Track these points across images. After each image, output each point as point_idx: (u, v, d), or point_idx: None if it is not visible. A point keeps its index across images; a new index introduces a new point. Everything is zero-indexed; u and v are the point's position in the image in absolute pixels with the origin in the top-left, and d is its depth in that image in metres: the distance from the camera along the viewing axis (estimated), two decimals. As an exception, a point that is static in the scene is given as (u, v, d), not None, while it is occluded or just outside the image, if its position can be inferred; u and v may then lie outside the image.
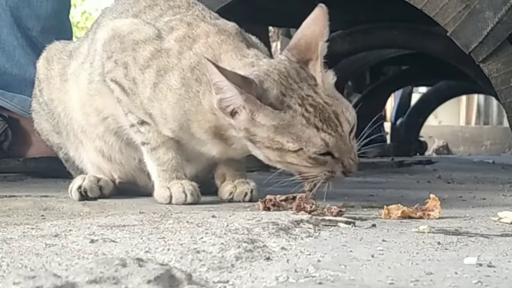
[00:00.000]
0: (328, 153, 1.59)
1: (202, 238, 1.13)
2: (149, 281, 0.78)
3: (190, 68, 1.70)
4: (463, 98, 9.84)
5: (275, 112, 1.57)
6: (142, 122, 1.79)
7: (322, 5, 1.62)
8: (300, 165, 1.60)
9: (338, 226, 1.38)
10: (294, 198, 1.58)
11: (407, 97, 6.67)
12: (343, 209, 1.53)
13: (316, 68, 1.61)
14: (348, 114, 1.60)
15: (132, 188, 1.96)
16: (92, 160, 1.98)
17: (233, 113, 1.60)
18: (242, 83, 1.55)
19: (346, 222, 1.41)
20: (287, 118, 1.57)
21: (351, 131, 1.61)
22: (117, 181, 1.96)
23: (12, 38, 2.61)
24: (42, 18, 2.60)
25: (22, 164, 2.56)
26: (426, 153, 6.35)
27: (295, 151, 1.58)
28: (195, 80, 1.69)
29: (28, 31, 2.61)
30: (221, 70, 1.55)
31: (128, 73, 1.76)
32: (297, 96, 1.58)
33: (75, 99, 1.95)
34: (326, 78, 1.62)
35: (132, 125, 1.81)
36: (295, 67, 1.62)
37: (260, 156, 1.64)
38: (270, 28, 4.82)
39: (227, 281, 0.88)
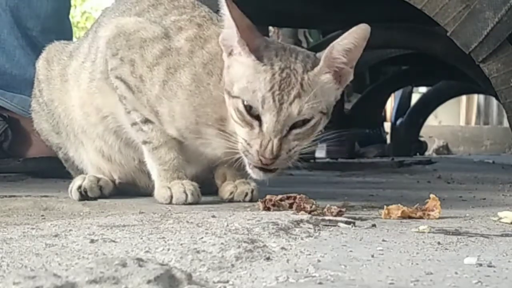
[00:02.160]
0: (258, 120, 1.57)
1: (202, 238, 1.13)
2: (149, 281, 0.78)
3: (203, 64, 1.71)
4: (463, 98, 9.84)
5: (255, 62, 1.58)
6: (146, 121, 1.79)
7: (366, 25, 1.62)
8: (231, 116, 1.61)
9: (338, 226, 1.38)
10: (294, 198, 1.58)
11: (407, 97, 6.67)
12: (343, 209, 1.53)
13: (322, 56, 1.61)
14: (305, 109, 1.57)
15: (132, 189, 1.96)
16: (92, 161, 1.98)
17: (230, 54, 1.63)
18: (245, 25, 1.59)
19: (346, 222, 1.41)
20: (260, 70, 1.58)
21: (295, 126, 1.58)
22: (117, 181, 1.96)
23: (12, 38, 2.61)
24: (42, 18, 2.60)
25: (22, 164, 2.56)
26: (426, 153, 6.35)
27: (234, 97, 1.60)
28: (206, 74, 1.70)
29: (28, 31, 2.61)
30: (230, 5, 1.58)
31: (134, 71, 1.76)
32: (284, 62, 1.59)
33: (75, 99, 1.95)
34: (322, 76, 1.61)
35: (134, 124, 1.81)
36: (308, 54, 1.64)
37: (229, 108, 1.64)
38: (270, 28, 4.82)
39: (227, 281, 0.88)
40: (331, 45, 1.62)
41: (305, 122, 1.60)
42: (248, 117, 1.59)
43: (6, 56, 2.60)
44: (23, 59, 2.59)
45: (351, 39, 1.61)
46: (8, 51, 2.61)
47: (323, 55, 1.62)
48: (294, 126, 1.59)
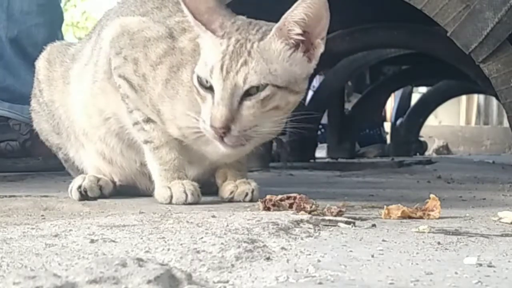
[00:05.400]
0: (212, 94, 1.59)
1: (202, 238, 1.13)
2: (149, 281, 0.78)
3: None
4: (463, 98, 9.84)
5: (212, 37, 1.63)
6: (148, 120, 1.79)
7: None
8: (194, 93, 1.65)
9: (338, 226, 1.38)
10: (294, 198, 1.58)
11: (407, 97, 6.67)
12: (343, 209, 1.53)
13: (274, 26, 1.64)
14: (251, 76, 1.58)
15: (132, 190, 1.96)
16: (92, 163, 1.98)
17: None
18: (203, 9, 1.65)
19: (346, 222, 1.40)
20: (217, 43, 1.61)
21: (246, 98, 1.59)
22: (117, 183, 1.96)
23: (16, 61, 2.81)
24: (40, 44, 2.68)
25: (42, 162, 2.61)
26: (426, 153, 6.36)
27: (193, 73, 1.64)
28: None
29: (29, 55, 2.69)
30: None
31: (138, 69, 1.76)
32: (242, 35, 1.62)
33: (77, 101, 1.95)
34: (274, 45, 1.62)
35: (136, 123, 1.81)
36: (270, 28, 1.65)
37: None
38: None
39: (227, 281, 0.88)
40: (283, 16, 1.63)
41: (256, 92, 1.60)
42: (202, 91, 1.62)
43: (13, 76, 2.79)
44: (28, 77, 2.66)
45: (302, 9, 1.60)
46: (14, 71, 2.81)
47: (276, 24, 1.63)
48: (245, 98, 1.60)
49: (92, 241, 1.12)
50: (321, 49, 1.66)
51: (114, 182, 1.95)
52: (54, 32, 2.84)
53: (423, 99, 6.15)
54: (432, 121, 8.81)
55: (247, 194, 1.81)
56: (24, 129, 2.73)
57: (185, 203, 1.72)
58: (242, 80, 1.58)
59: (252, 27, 1.65)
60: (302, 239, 1.22)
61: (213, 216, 1.43)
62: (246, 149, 1.70)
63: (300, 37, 1.63)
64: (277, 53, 1.62)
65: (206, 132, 1.62)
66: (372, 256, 1.06)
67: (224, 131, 1.58)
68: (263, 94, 1.60)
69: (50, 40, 2.74)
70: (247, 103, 1.59)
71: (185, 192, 1.73)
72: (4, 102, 2.84)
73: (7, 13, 2.85)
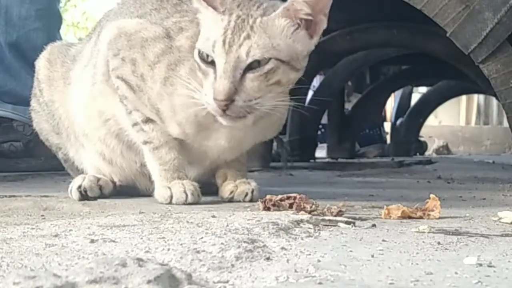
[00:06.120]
0: (214, 68, 1.60)
1: (202, 238, 1.13)
2: (149, 281, 0.78)
3: None
4: (463, 98, 9.85)
5: (214, 13, 1.64)
6: (147, 120, 1.79)
7: None
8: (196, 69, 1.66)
9: (338, 226, 1.38)
10: (294, 198, 1.58)
11: (407, 97, 6.68)
12: (343, 209, 1.53)
13: (282, 5, 1.65)
14: (254, 49, 1.59)
15: (132, 190, 1.96)
16: (92, 163, 1.98)
17: None
18: None
19: (346, 222, 1.40)
20: (218, 19, 1.63)
21: (249, 68, 1.60)
22: (117, 184, 1.96)
23: (16, 65, 2.85)
24: (39, 48, 2.70)
25: (44, 162, 2.62)
26: (426, 153, 6.36)
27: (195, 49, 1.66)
28: None
29: (28, 59, 2.71)
30: None
31: (136, 70, 1.77)
32: (243, 11, 1.64)
33: (77, 102, 1.95)
34: (278, 21, 1.63)
35: (135, 124, 1.81)
36: (274, 4, 1.67)
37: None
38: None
39: (227, 281, 0.88)
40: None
41: (259, 65, 1.61)
42: (203, 66, 1.63)
43: (15, 80, 2.83)
44: (29, 80, 2.69)
45: None
46: (15, 75, 2.83)
47: (283, 4, 1.64)
48: (248, 71, 1.60)
49: (92, 241, 1.12)
50: (324, 25, 1.67)
51: (114, 182, 1.96)
52: (52, 36, 2.86)
53: (423, 99, 6.15)
54: (432, 121, 8.81)
55: (247, 194, 1.81)
56: (28, 130, 2.76)
57: (185, 203, 1.72)
58: (245, 53, 1.59)
59: (252, 4, 1.66)
60: (302, 239, 1.22)
61: (213, 216, 1.43)
62: (246, 124, 1.68)
63: (308, 17, 1.65)
64: (280, 29, 1.64)
65: (209, 106, 1.63)
66: (372, 256, 1.06)
67: (226, 104, 1.59)
68: (267, 67, 1.61)
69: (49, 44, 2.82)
70: (250, 75, 1.61)
71: (185, 192, 1.73)
72: (7, 104, 2.89)
73: (6, 19, 2.89)
